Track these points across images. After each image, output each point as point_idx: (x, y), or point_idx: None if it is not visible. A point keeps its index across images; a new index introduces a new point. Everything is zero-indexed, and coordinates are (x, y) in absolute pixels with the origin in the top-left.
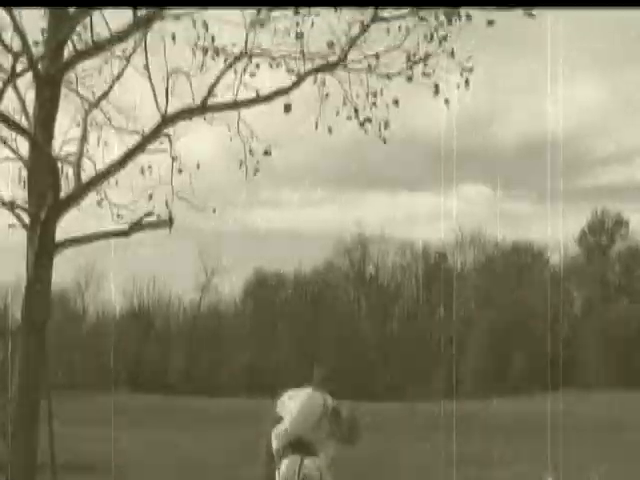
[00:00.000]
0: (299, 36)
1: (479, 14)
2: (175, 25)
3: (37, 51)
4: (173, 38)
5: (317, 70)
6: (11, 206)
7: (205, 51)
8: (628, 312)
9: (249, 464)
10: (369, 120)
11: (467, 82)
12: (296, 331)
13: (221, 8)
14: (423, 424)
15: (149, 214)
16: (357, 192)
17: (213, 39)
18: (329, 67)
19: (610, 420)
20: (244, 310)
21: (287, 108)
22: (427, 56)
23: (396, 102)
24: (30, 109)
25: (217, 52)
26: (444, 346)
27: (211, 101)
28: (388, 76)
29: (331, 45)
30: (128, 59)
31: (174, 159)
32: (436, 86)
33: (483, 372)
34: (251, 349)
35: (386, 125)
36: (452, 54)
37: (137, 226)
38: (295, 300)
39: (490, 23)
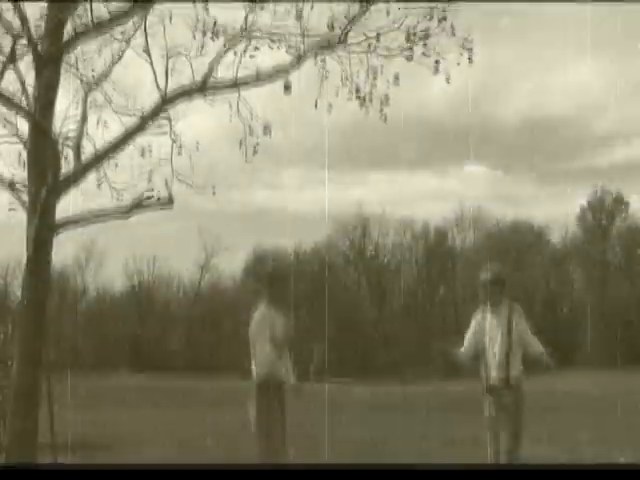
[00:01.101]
0: (299, 16)
1: None
2: (175, 6)
3: (37, 32)
4: (170, 19)
5: (317, 50)
6: (11, 186)
7: (205, 32)
8: (628, 292)
9: (248, 444)
10: (370, 98)
11: (469, 60)
12: (296, 310)
13: None
14: (422, 404)
15: (149, 194)
16: (357, 172)
17: (214, 21)
18: (329, 47)
19: (610, 401)
20: (244, 290)
21: (287, 88)
22: (427, 35)
23: (397, 78)
24: (30, 90)
25: (217, 33)
26: (444, 326)
27: (211, 81)
28: (388, 55)
29: (331, 25)
30: (128, 40)
31: (174, 140)
32: (436, 65)
33: None
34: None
35: (386, 103)
36: (452, 32)
37: (137, 207)
38: (295, 280)
39: None
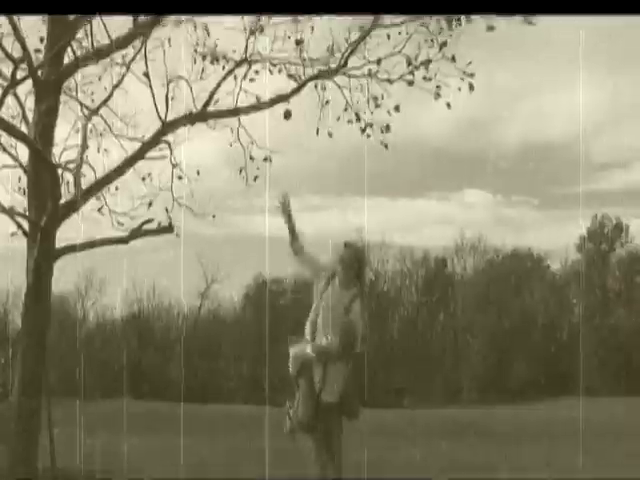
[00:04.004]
0: (299, 42)
1: (480, 19)
2: (175, 31)
3: (37, 58)
4: (169, 42)
5: (317, 76)
6: (11, 213)
7: (205, 57)
8: (628, 318)
9: (247, 470)
10: (370, 125)
11: (470, 87)
12: (296, 334)
13: (220, 15)
14: (423, 431)
15: (149, 221)
16: (357, 198)
17: (214, 45)
18: (329, 73)
19: (611, 427)
20: (244, 316)
21: (287, 114)
22: (428, 61)
23: (397, 108)
24: (30, 116)
25: (217, 58)
26: (444, 352)
27: (211, 107)
28: (389, 81)
29: (331, 51)
30: (128, 66)
31: (174, 166)
32: (437, 90)
33: (483, 379)
34: (251, 355)
35: (387, 130)
36: (453, 59)
37: (137, 233)
38: (295, 306)
39: (490, 28)
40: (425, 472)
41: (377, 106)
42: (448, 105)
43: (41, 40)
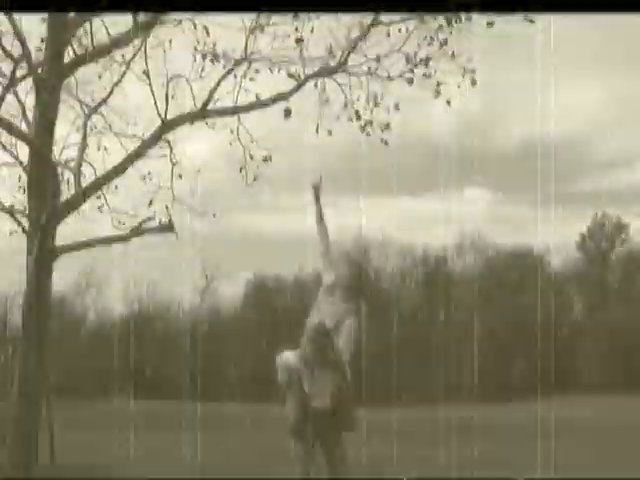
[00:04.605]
0: (299, 40)
1: (479, 16)
2: (175, 30)
3: (37, 57)
4: (170, 43)
5: (317, 74)
6: (11, 211)
7: (205, 56)
8: (628, 316)
9: (247, 468)
10: (370, 123)
11: (473, 82)
12: (296, 335)
13: (220, 14)
14: (422, 429)
15: (149, 219)
16: (357, 196)
17: (214, 44)
18: (329, 71)
19: (611, 425)
20: (244, 314)
21: (287, 113)
22: (428, 59)
23: (397, 106)
24: (30, 115)
25: (217, 57)
26: (444, 350)
27: (211, 106)
28: (389, 78)
29: (331, 49)
30: (128, 64)
31: (174, 164)
32: (437, 89)
33: (483, 376)
34: (251, 353)
35: (387, 127)
36: (452, 56)
37: (137, 231)
38: (295, 304)
39: (490, 24)
40: (423, 469)
41: (377, 104)
42: (448, 103)
43: (42, 39)
